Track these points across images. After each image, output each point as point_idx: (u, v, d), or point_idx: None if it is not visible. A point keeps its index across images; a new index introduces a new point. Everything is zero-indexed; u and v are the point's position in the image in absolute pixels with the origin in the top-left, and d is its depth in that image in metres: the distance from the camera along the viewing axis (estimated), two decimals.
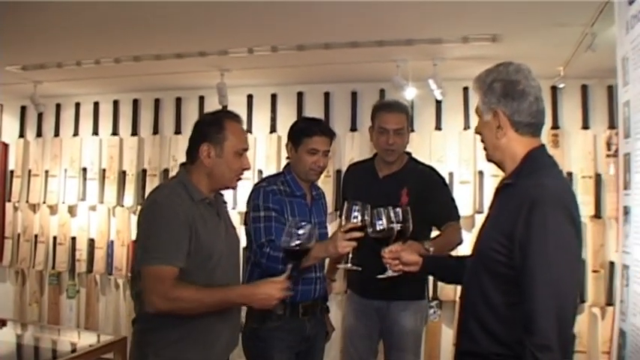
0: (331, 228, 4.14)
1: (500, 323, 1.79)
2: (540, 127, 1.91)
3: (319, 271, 2.97)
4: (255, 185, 3.01)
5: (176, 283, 2.17)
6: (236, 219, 4.74)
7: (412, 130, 3.35)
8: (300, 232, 2.25)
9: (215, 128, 2.38)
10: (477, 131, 2.02)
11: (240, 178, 2.47)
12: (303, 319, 2.93)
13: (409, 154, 3.35)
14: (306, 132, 2.93)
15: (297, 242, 2.24)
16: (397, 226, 2.46)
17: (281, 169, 4.72)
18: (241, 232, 3.01)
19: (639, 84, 1.40)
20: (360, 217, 2.48)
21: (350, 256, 2.60)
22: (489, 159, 2.00)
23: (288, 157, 3.04)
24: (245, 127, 4.88)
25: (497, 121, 1.88)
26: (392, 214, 2.45)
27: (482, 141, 2.01)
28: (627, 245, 1.46)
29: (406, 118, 3.25)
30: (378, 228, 2.41)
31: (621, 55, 1.50)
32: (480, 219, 4.31)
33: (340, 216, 2.64)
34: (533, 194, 1.74)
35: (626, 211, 1.47)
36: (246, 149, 2.45)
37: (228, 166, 2.38)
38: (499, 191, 1.97)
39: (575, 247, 1.73)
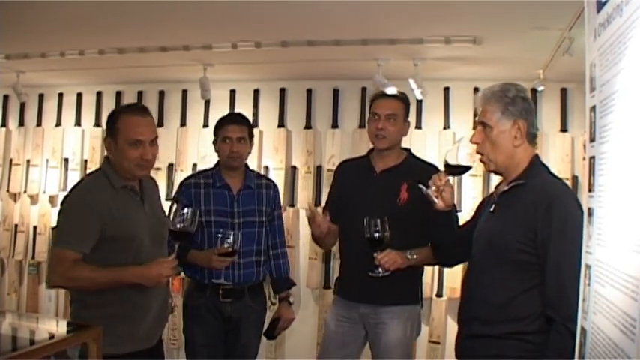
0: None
1: (515, 306, 2.06)
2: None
3: (242, 257, 3.11)
4: None
5: (74, 265, 2.36)
6: None
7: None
8: (181, 217, 2.54)
9: (111, 123, 2.57)
10: (476, 141, 2.22)
11: (145, 168, 2.58)
12: (224, 301, 3.13)
13: (409, 150, 3.19)
14: (218, 124, 3.23)
15: (180, 225, 2.53)
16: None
17: (262, 163, 4.79)
18: None
19: (605, 90, 1.44)
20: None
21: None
22: (493, 168, 2.24)
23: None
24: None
25: (516, 130, 2.15)
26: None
27: (480, 152, 2.23)
28: (590, 245, 1.51)
29: (402, 106, 3.04)
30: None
31: (589, 62, 1.55)
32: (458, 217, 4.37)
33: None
34: (550, 191, 2.07)
35: (590, 213, 1.52)
36: (138, 140, 2.49)
37: (124, 156, 2.50)
38: (506, 192, 2.20)
39: None
